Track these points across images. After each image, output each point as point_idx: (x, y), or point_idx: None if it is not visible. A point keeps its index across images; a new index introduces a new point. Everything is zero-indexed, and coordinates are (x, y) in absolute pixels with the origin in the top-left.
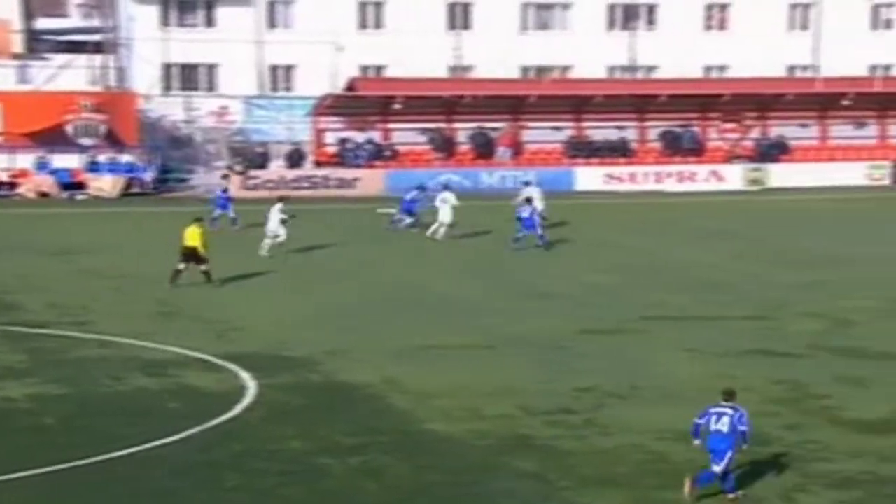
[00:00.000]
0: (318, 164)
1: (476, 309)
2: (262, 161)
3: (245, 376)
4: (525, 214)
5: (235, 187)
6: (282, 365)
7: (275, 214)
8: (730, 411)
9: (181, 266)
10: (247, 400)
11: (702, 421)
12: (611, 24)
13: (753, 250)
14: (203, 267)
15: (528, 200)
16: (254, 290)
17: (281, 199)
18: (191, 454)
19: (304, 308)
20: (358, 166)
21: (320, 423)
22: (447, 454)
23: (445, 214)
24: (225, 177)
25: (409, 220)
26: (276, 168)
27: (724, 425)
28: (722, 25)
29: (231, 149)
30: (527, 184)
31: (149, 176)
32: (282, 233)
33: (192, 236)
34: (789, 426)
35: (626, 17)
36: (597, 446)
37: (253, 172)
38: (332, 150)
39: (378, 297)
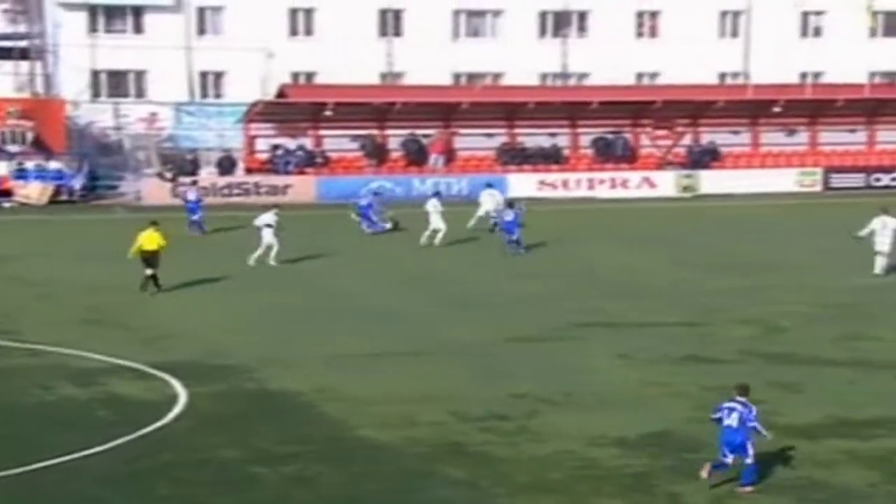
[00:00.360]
0: (250, 171)
1: (409, 317)
2: (192, 168)
3: (176, 384)
4: (508, 218)
5: (166, 194)
6: (213, 373)
7: (267, 222)
8: (740, 407)
9: (149, 272)
10: (177, 408)
11: (718, 416)
12: (542, 32)
13: (686, 257)
14: (150, 271)
15: (510, 204)
16: (185, 298)
17: (274, 206)
18: (119, 464)
19: (237, 316)
20: (288, 173)
21: (252, 431)
22: (380, 461)
23: (438, 221)
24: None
25: (365, 224)
26: (207, 175)
27: (734, 420)
28: (653, 33)
29: (161, 155)
30: (489, 185)
31: (77, 183)
32: (275, 242)
33: (152, 240)
34: None
35: (557, 25)
36: (530, 453)
37: (183, 179)
38: (263, 156)
39: (310, 306)
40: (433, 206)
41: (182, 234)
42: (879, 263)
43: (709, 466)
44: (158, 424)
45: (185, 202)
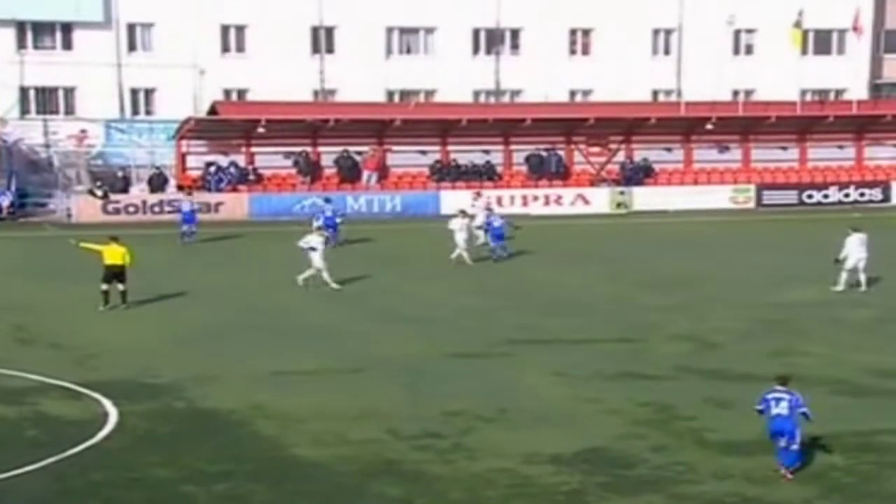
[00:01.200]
0: (181, 188)
1: (340, 333)
2: (123, 185)
3: (106, 403)
4: (497, 224)
5: (97, 212)
6: (144, 391)
7: (314, 244)
8: (786, 395)
9: (105, 287)
10: (108, 428)
11: (762, 407)
12: (476, 49)
13: (620, 273)
14: (122, 287)
15: (490, 210)
16: (115, 315)
17: (318, 228)
18: (48, 483)
19: (168, 333)
20: (220, 190)
21: (184, 450)
22: (314, 480)
23: (461, 239)
24: (189, 193)
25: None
26: (138, 192)
27: (783, 409)
28: (586, 50)
29: (91, 173)
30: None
31: (5, 201)
32: (323, 264)
33: (116, 255)
34: (656, 448)
35: (490, 42)
36: (465, 470)
37: (114, 197)
38: (195, 173)
39: (242, 322)
40: (461, 224)
41: None
42: (843, 278)
43: (781, 466)
44: (89, 444)
45: (180, 213)
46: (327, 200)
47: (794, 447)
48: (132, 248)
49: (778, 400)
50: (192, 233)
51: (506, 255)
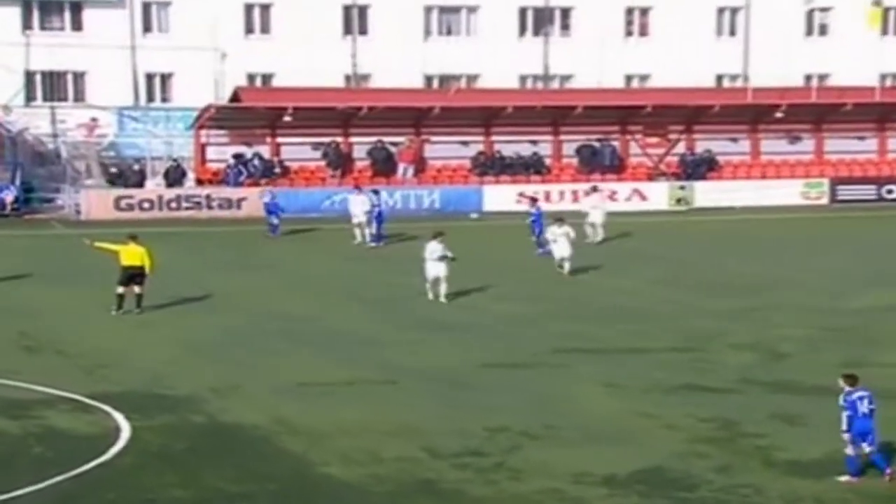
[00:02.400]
0: (200, 182)
1: (372, 340)
2: (137, 179)
3: (118, 417)
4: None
5: (109, 208)
6: (160, 404)
7: (432, 254)
8: (867, 392)
9: (121, 290)
10: (120, 444)
11: (852, 412)
12: (522, 30)
13: (678, 276)
14: (138, 290)
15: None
16: (128, 321)
17: (437, 234)
18: None
19: (184, 341)
20: (239, 185)
21: (203, 468)
22: (343, 501)
23: (565, 248)
24: (269, 183)
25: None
26: (154, 186)
27: (866, 406)
28: (643, 31)
29: (102, 165)
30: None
31: (9, 196)
32: (442, 274)
33: (135, 255)
34: (719, 468)
35: (538, 22)
36: (509, 492)
37: (127, 192)
38: (215, 166)
39: (265, 329)
40: (566, 231)
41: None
42: None
43: (888, 471)
44: (99, 461)
45: (270, 203)
46: (375, 192)
47: (874, 448)
48: (151, 250)
49: (862, 398)
50: (275, 227)
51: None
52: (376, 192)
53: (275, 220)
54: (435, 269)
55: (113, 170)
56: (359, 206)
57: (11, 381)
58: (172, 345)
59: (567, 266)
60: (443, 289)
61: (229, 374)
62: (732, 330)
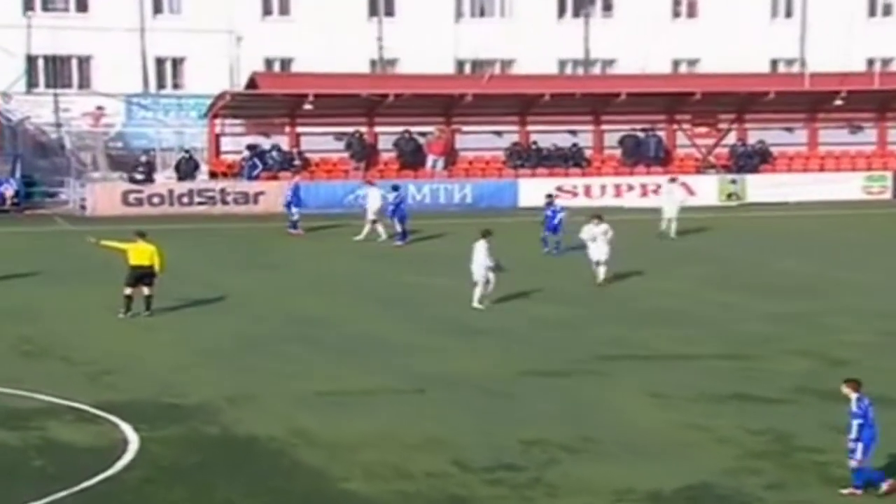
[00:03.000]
0: (214, 175)
1: (398, 346)
2: (147, 172)
3: (126, 428)
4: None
5: (117, 203)
6: (170, 414)
7: (480, 254)
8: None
9: (129, 291)
10: (128, 457)
11: (864, 421)
12: (561, 11)
13: (728, 276)
14: (147, 291)
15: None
16: (136, 324)
17: (485, 233)
18: None
19: (196, 346)
20: (253, 178)
21: (216, 483)
22: None
23: (602, 250)
24: (371, 183)
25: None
26: (164, 180)
27: (871, 414)
28: (691, 12)
29: (109, 157)
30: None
31: (9, 190)
32: (491, 277)
33: (144, 254)
34: (773, 485)
35: (578, 3)
36: None
37: (136, 186)
38: (230, 158)
39: (282, 333)
40: (605, 230)
41: None
42: None
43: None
44: (105, 475)
45: (290, 195)
46: (395, 188)
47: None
48: (161, 248)
49: (871, 405)
50: (297, 222)
51: (555, 253)
52: (396, 188)
53: (296, 214)
54: (483, 271)
55: (142, 160)
56: (373, 201)
57: (11, 388)
58: (183, 350)
59: (602, 271)
60: (487, 291)
61: (244, 382)
62: (787, 335)
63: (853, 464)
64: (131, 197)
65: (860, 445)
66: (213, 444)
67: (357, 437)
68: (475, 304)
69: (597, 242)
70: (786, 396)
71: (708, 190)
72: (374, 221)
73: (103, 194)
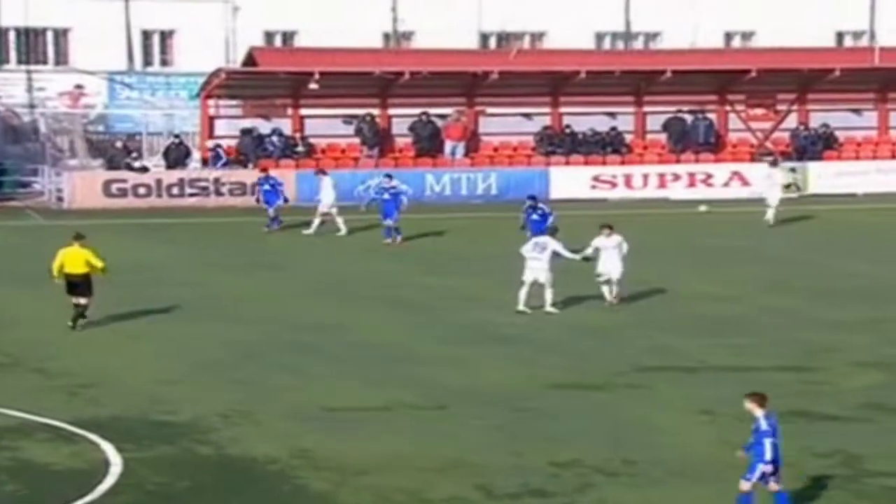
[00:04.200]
0: (207, 162)
1: (414, 356)
2: (131, 159)
3: (108, 448)
4: (534, 218)
5: (97, 195)
6: (157, 433)
7: (613, 253)
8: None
9: (81, 301)
10: (110, 480)
11: (773, 438)
12: None
13: (787, 278)
14: (83, 301)
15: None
16: (119, 333)
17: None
18: None
19: (187, 356)
20: (244, 165)
21: None
22: None
23: (614, 266)
24: (264, 169)
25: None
26: (153, 168)
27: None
28: None
29: (89, 141)
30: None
31: None
32: (544, 278)
33: (77, 260)
34: None
35: None
36: None
37: (119, 174)
38: (226, 144)
39: (283, 341)
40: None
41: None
42: None
43: None
44: (85, 502)
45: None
46: (388, 176)
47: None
48: (99, 251)
49: (778, 422)
50: (275, 220)
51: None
52: (389, 176)
53: (271, 210)
54: (534, 271)
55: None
56: (327, 191)
57: None
58: (173, 361)
59: (614, 291)
60: (548, 296)
61: (240, 397)
62: (854, 344)
63: (746, 486)
64: (114, 187)
65: (769, 468)
66: (206, 466)
67: (368, 458)
68: (548, 307)
69: (607, 255)
70: (853, 414)
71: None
72: (325, 214)
73: (82, 184)
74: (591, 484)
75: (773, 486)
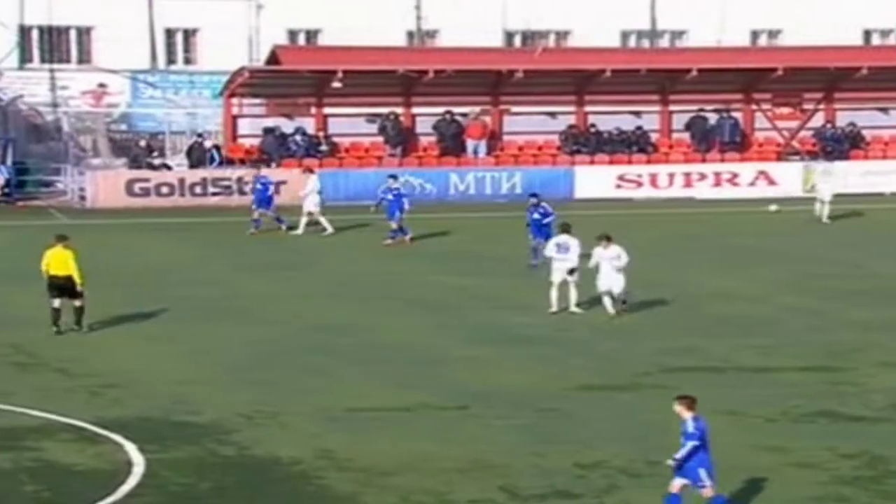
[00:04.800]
0: (230, 161)
1: (433, 357)
2: (151, 158)
3: (130, 449)
4: (535, 216)
5: (120, 194)
6: (180, 433)
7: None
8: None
9: (56, 303)
10: (133, 481)
11: (701, 443)
12: None
13: (813, 278)
14: (77, 302)
15: (534, 196)
16: (140, 333)
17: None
18: None
19: (210, 356)
20: (268, 163)
21: None
22: None
23: (613, 280)
24: (258, 167)
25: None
26: (176, 167)
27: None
28: None
29: (112, 140)
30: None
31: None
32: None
33: (61, 262)
34: None
35: None
36: None
37: (141, 174)
38: (248, 143)
39: (306, 342)
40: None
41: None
42: None
43: None
44: (107, 502)
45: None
46: (393, 177)
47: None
48: (77, 256)
49: (707, 425)
50: (258, 221)
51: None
52: (394, 177)
53: (258, 212)
54: (562, 272)
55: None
56: (310, 190)
57: (1, 404)
58: (195, 361)
59: (609, 305)
60: (573, 296)
61: (263, 397)
62: (881, 344)
63: (708, 492)
64: (136, 186)
65: (703, 471)
66: (229, 467)
67: (392, 459)
68: (573, 307)
69: (604, 269)
70: (880, 415)
71: (791, 179)
72: (311, 213)
73: (105, 184)
74: (616, 485)
75: (708, 491)
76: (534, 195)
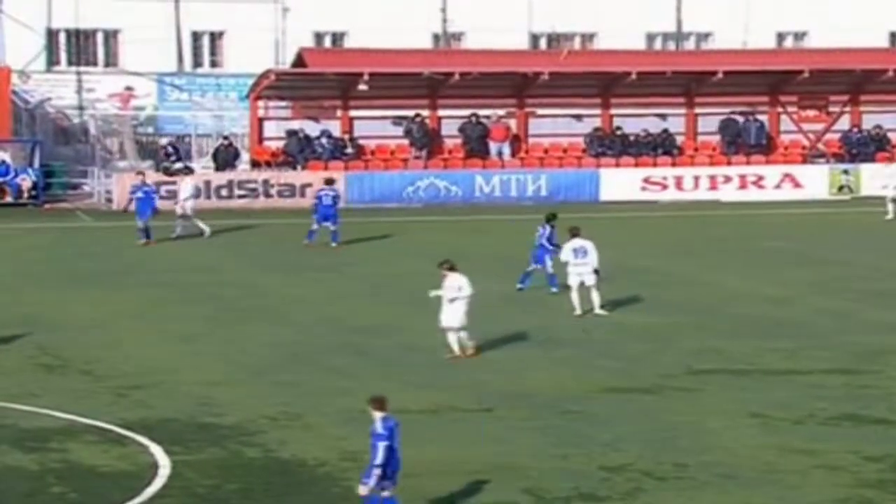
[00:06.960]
0: (256, 164)
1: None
2: (169, 162)
3: (156, 451)
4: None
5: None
6: (205, 435)
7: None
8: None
9: None
10: (158, 483)
11: (391, 443)
12: None
13: (840, 280)
14: None
15: (550, 217)
16: (168, 335)
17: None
18: None
19: (235, 358)
20: (293, 166)
21: None
22: None
23: (582, 274)
24: (329, 182)
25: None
26: (201, 170)
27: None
28: None
29: (139, 143)
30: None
31: (26, 181)
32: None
33: None
34: None
35: None
36: None
37: (166, 177)
38: (274, 145)
39: (331, 344)
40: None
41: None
42: None
43: None
44: None
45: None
46: (328, 182)
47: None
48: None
49: (397, 426)
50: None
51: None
52: (330, 182)
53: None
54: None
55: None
56: (184, 191)
57: (27, 405)
58: (221, 363)
59: (581, 298)
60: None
61: (288, 399)
62: None
63: (363, 490)
64: (163, 189)
65: (379, 472)
66: (255, 468)
67: (416, 462)
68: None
69: (573, 264)
70: None
71: (817, 182)
72: (183, 216)
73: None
74: (641, 488)
75: (386, 492)
76: (552, 214)
